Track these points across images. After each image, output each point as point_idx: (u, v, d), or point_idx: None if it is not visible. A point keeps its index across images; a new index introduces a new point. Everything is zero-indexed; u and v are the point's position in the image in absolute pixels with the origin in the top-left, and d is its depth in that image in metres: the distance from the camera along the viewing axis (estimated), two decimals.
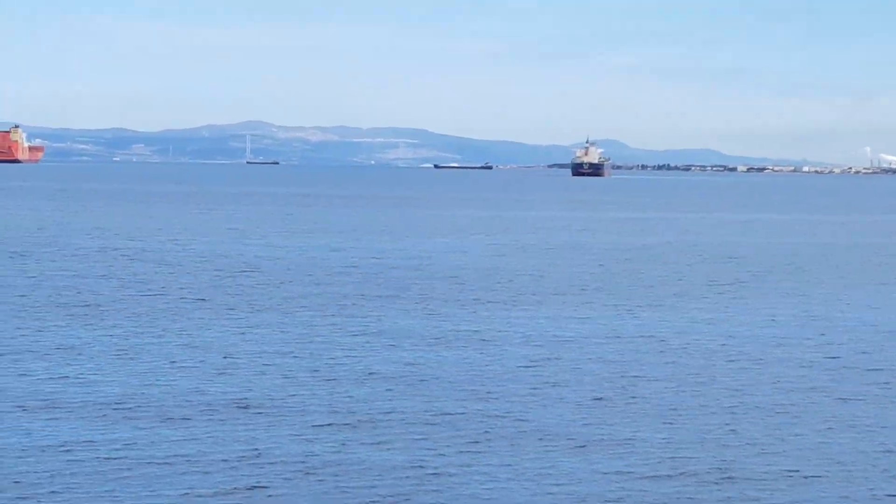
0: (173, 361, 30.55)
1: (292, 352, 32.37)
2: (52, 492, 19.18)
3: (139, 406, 25.32)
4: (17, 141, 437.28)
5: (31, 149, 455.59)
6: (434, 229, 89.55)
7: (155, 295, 44.23)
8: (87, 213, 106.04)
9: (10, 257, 58.40)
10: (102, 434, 22.77)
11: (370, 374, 29.57)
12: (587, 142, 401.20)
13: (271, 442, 22.51)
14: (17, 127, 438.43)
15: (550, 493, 19.92)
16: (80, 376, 28.32)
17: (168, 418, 24.25)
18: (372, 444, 22.63)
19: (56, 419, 23.93)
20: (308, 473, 20.58)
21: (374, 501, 19.23)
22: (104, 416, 24.34)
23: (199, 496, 19.18)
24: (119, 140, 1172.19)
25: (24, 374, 28.43)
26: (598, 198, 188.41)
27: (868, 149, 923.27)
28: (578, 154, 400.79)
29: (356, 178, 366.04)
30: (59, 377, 28.16)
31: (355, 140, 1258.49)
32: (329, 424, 24.04)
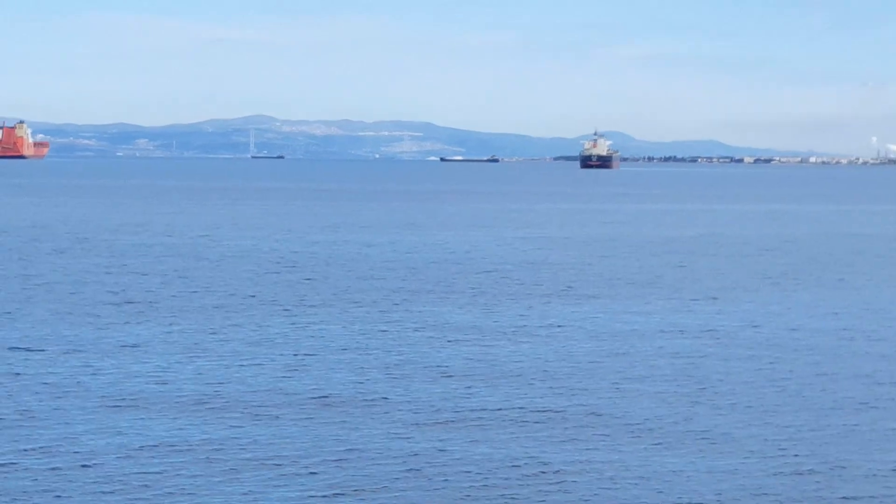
0: (244, 358, 30.29)
1: (359, 347, 32.10)
2: (166, 493, 18.92)
3: (225, 403, 25.05)
4: (22, 137, 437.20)
5: (36, 144, 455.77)
6: (462, 223, 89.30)
7: (203, 291, 43.99)
8: (110, 209, 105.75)
9: (50, 255, 58.17)
10: (195, 433, 22.50)
11: (444, 369, 29.32)
12: (595, 134, 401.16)
13: (366, 439, 22.24)
14: (22, 122, 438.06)
15: (661, 492, 19.63)
16: (155, 374, 28.06)
17: (256, 415, 23.99)
18: (469, 440, 22.36)
19: (144, 418, 23.66)
20: (412, 470, 20.32)
21: (484, 498, 18.95)
22: (192, 413, 24.08)
23: (312, 497, 18.92)
24: (123, 135, 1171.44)
25: (98, 373, 28.17)
26: (613, 190, 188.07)
27: (874, 139, 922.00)
28: (587, 146, 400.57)
29: (365, 172, 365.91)
30: (135, 375, 27.90)
31: (359, 133, 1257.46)
32: (420, 422, 23.76)
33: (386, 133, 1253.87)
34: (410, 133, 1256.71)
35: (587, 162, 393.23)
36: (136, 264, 53.47)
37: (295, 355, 30.84)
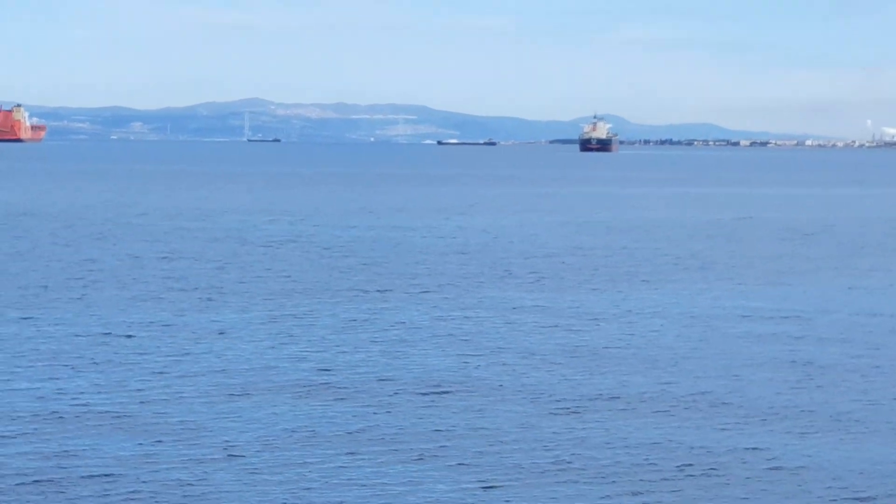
0: (338, 344, 30.07)
1: (450, 333, 31.86)
2: (305, 479, 18.74)
3: (340, 390, 24.84)
4: (19, 120, 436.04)
5: (33, 128, 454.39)
6: (493, 207, 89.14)
7: (267, 277, 43.77)
8: (133, 193, 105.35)
9: (95, 240, 57.89)
10: (322, 420, 22.31)
11: (543, 354, 29.11)
12: (595, 117, 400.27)
13: (502, 427, 22.05)
14: (19, 106, 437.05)
15: (821, 481, 19.47)
16: (256, 360, 27.85)
17: (375, 402, 23.75)
18: (604, 426, 22.18)
19: (262, 404, 23.45)
20: (561, 460, 20.16)
21: (647, 484, 18.80)
22: (310, 399, 23.89)
23: (465, 489, 18.75)
24: (117, 118, 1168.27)
25: (200, 359, 27.94)
26: (621, 174, 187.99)
27: (869, 122, 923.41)
28: (586, 129, 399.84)
29: (366, 155, 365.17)
30: (235, 361, 27.67)
31: (354, 117, 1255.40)
32: (549, 409, 23.58)
33: (381, 116, 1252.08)
34: (405, 116, 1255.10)
35: (587, 145, 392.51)
36: (187, 250, 53.19)
37: (390, 341, 30.63)
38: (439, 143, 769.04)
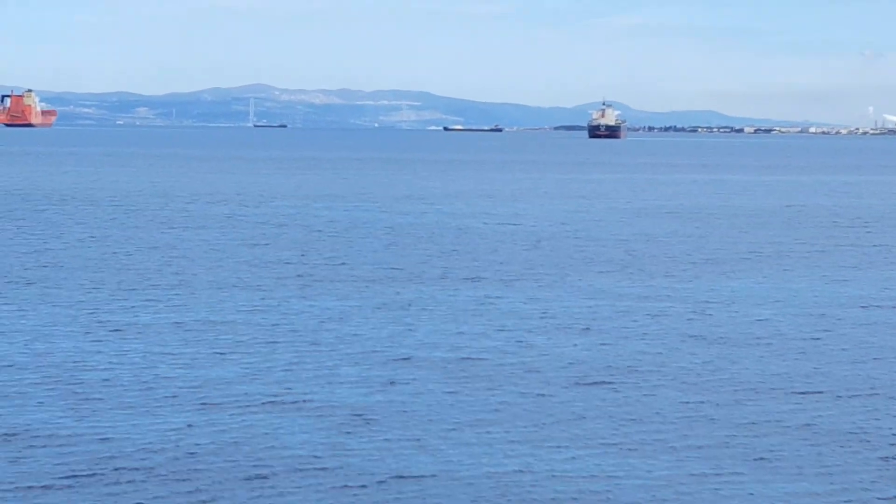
0: (484, 328, 29.76)
1: (577, 321, 31.54)
2: (490, 456, 18.44)
3: (513, 373, 24.54)
4: (30, 105, 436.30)
5: (44, 113, 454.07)
6: (537, 194, 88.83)
7: (355, 264, 43.44)
8: (168, 177, 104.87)
9: (160, 225, 57.60)
10: (511, 404, 22.01)
11: (686, 338, 28.80)
12: (603, 104, 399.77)
13: (695, 411, 21.77)
14: (30, 91, 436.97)
15: None
16: (412, 343, 27.54)
17: (572, 385, 23.47)
18: (797, 411, 21.89)
19: (436, 388, 23.15)
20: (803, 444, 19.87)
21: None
22: (478, 383, 23.58)
23: (693, 475, 18.46)
24: (123, 103, 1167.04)
25: (366, 348, 27.63)
26: (642, 160, 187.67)
27: (871, 109, 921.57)
28: (595, 116, 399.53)
29: (375, 141, 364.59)
30: (391, 344, 27.37)
31: (358, 103, 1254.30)
32: (737, 395, 23.29)
33: (385, 102, 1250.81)
34: (409, 102, 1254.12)
35: (595, 132, 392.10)
36: (258, 236, 52.85)
37: (516, 328, 30.28)
38: (446, 129, 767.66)
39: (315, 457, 18.85)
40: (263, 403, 22.12)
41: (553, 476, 18.22)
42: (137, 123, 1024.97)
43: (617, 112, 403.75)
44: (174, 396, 22.53)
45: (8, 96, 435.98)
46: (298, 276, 39.56)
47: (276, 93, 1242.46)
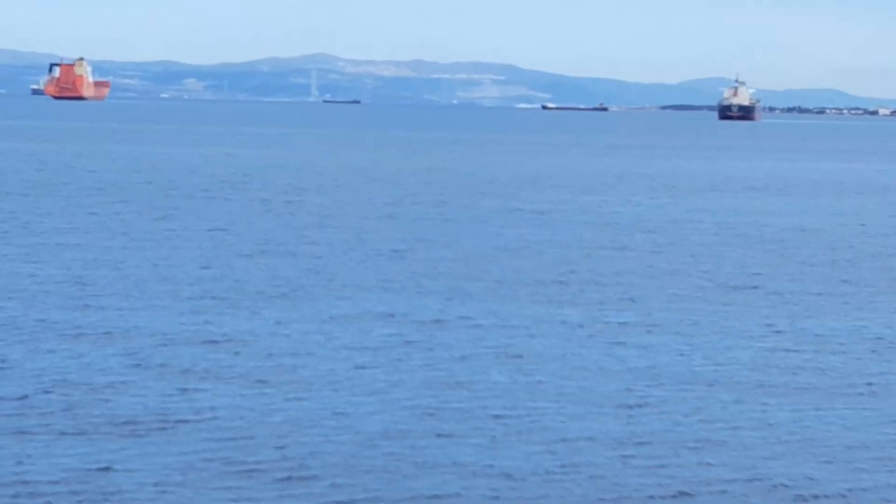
0: (810, 348, 28.75)
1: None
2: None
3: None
4: (82, 75, 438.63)
5: (96, 84, 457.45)
6: (752, 186, 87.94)
7: (652, 269, 42.67)
8: (288, 156, 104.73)
9: (315, 215, 57.23)
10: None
11: None
12: (736, 81, 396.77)
13: None
14: (81, 59, 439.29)
15: None
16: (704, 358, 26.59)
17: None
18: None
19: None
20: None
21: None
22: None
23: None
24: (168, 74, 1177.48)
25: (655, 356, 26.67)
26: (816, 146, 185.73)
27: None
28: (727, 95, 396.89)
29: (482, 120, 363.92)
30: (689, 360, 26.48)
31: (434, 76, 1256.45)
32: None
33: (464, 76, 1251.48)
34: (491, 76, 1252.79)
35: (726, 112, 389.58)
36: (427, 233, 52.25)
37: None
38: (544, 107, 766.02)
39: None
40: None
41: None
42: (185, 97, 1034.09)
43: (751, 90, 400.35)
44: None
45: (57, 65, 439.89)
46: (559, 282, 38.73)
47: (341, 64, 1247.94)
